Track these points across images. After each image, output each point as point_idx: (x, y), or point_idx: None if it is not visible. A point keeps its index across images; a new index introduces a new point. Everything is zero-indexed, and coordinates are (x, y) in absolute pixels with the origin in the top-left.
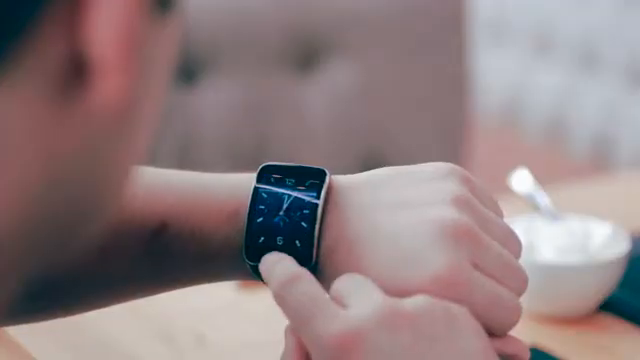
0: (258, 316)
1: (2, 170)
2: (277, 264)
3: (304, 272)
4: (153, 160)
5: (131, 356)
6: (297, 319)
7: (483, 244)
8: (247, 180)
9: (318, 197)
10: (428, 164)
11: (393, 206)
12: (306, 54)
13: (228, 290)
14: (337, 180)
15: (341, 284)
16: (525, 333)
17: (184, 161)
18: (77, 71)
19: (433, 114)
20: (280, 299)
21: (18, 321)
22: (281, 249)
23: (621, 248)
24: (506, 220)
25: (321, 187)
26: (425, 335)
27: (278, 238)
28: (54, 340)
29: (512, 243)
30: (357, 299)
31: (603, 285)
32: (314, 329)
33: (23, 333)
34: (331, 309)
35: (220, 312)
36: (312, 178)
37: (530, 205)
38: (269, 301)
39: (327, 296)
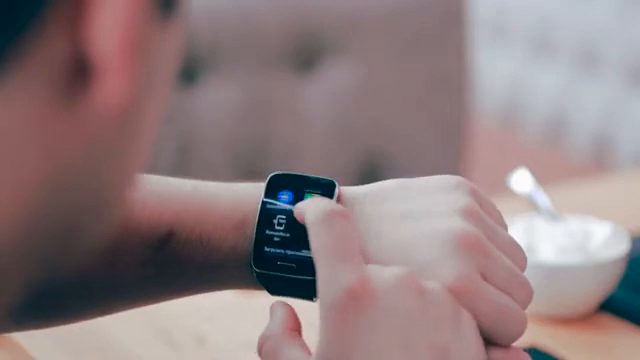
0: (258, 316)
1: (4, 171)
2: (324, 199)
3: (349, 213)
4: (153, 160)
5: (131, 356)
6: (326, 254)
7: (491, 255)
8: (253, 190)
9: None
10: (435, 177)
11: (400, 217)
12: (306, 54)
13: (229, 291)
14: (345, 191)
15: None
16: (525, 333)
17: (184, 161)
18: (79, 71)
19: (433, 114)
20: (318, 228)
21: (24, 328)
22: (289, 257)
23: (621, 248)
24: (506, 220)
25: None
26: (433, 313)
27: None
28: (54, 340)
29: (518, 256)
30: (379, 267)
31: (603, 285)
32: (337, 271)
33: (23, 333)
34: (360, 261)
35: (220, 312)
36: (321, 190)
37: (530, 205)
38: (269, 301)
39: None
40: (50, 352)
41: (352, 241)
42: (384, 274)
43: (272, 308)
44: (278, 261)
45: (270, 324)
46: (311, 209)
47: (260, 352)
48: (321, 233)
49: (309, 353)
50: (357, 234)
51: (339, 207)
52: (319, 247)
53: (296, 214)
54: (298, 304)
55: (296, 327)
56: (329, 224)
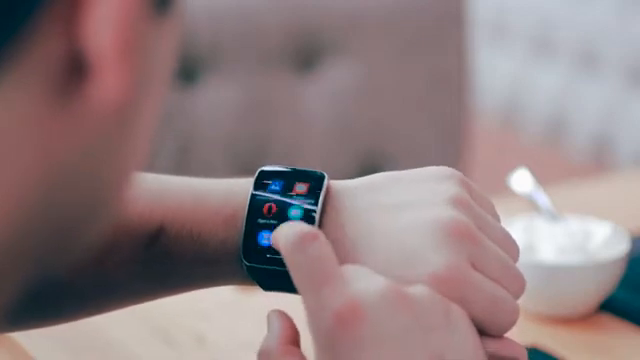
0: (258, 316)
1: (0, 171)
2: (293, 225)
3: (321, 233)
4: (153, 160)
5: (130, 356)
6: (307, 283)
7: (482, 244)
8: (244, 185)
9: (316, 204)
10: (425, 168)
11: (391, 208)
12: (306, 54)
13: (228, 290)
14: (335, 184)
15: (347, 270)
16: (525, 333)
17: (184, 161)
18: (75, 69)
19: (433, 114)
20: (293, 258)
21: (17, 328)
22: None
23: (621, 248)
24: (506, 220)
25: (319, 193)
26: (424, 322)
27: None
28: (53, 340)
29: (510, 247)
30: (363, 280)
31: (603, 285)
32: (321, 298)
33: (22, 333)
34: (341, 281)
35: (220, 312)
36: (311, 182)
37: (530, 205)
38: (269, 301)
39: (338, 265)
40: (50, 352)
41: (330, 261)
42: (369, 290)
43: (268, 319)
44: (267, 254)
45: (266, 338)
46: (282, 238)
47: None
48: (297, 261)
49: None
50: (332, 251)
51: (309, 229)
52: (299, 276)
53: (272, 242)
54: (297, 305)
55: (293, 338)
56: (303, 250)
